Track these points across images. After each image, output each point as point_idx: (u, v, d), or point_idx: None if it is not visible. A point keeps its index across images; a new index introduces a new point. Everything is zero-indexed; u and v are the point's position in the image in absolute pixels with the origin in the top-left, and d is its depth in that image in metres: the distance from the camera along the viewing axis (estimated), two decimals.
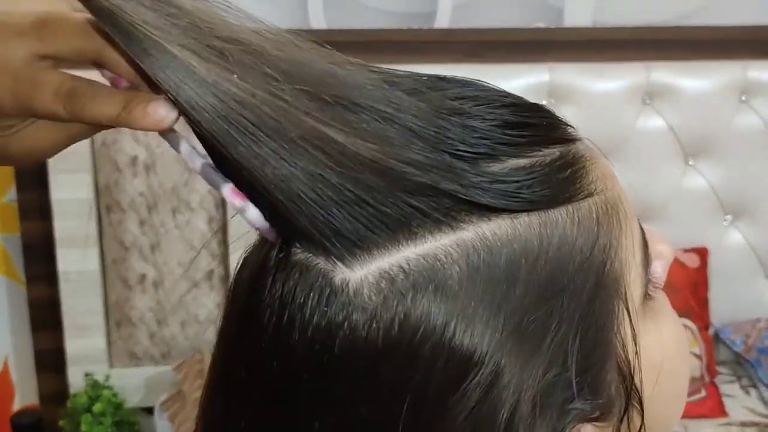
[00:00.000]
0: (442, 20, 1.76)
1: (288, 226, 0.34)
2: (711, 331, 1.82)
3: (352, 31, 1.72)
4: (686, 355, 0.45)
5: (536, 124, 0.38)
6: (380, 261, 0.34)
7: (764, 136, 1.80)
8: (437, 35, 1.75)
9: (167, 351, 1.77)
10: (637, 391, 0.38)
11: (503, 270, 0.34)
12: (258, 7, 1.77)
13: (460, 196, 0.34)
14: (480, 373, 0.33)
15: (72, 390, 1.73)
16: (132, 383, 1.75)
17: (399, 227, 0.34)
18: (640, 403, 0.38)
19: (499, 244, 0.34)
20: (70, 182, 1.66)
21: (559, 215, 0.36)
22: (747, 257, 1.86)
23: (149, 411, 1.74)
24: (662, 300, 0.42)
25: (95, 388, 1.68)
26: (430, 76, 0.39)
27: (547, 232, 0.35)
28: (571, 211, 0.37)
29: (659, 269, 0.41)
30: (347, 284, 0.34)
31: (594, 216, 0.37)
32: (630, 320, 0.38)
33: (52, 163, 1.63)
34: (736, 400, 1.76)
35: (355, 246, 0.34)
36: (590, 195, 0.37)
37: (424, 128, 0.35)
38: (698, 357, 1.75)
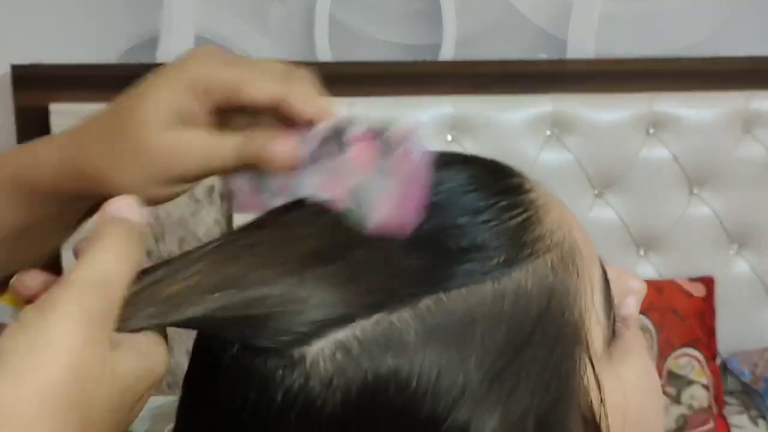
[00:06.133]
0: (447, 52, 1.77)
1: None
2: (718, 361, 1.81)
3: (358, 63, 1.74)
4: (656, 394, 0.43)
5: (482, 184, 0.38)
6: (336, 333, 0.34)
7: None
8: (442, 67, 1.77)
9: (173, 381, 1.77)
10: None
11: (459, 329, 0.34)
12: (265, 41, 1.79)
13: (424, 278, 0.35)
14: None
15: None
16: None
17: (356, 306, 0.34)
18: None
19: (453, 304, 0.34)
20: None
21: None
22: (753, 286, 1.85)
23: None
24: (631, 339, 0.40)
25: None
26: None
27: (501, 286, 0.35)
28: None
29: (632, 305, 0.40)
30: (304, 357, 0.34)
31: (549, 264, 0.37)
32: (593, 368, 0.37)
33: None
34: (745, 431, 1.75)
35: (312, 324, 0.34)
36: (546, 250, 0.37)
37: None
38: (705, 387, 1.74)
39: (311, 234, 0.37)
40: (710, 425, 1.71)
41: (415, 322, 0.34)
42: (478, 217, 0.36)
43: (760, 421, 1.77)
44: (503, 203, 0.37)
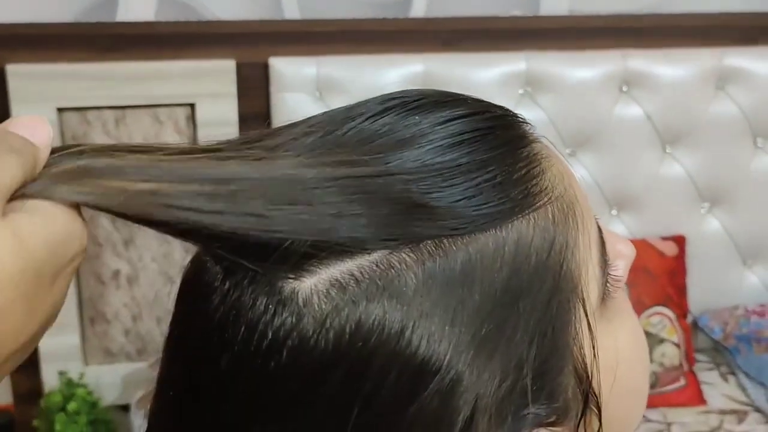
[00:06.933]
0: (418, 9, 1.74)
1: (238, 240, 0.32)
2: (689, 319, 1.83)
3: (326, 21, 1.70)
4: (644, 358, 0.44)
5: (490, 132, 0.37)
6: (332, 269, 0.33)
7: (741, 123, 1.80)
8: (413, 24, 1.73)
9: (143, 347, 1.75)
10: (595, 394, 0.38)
11: (459, 274, 0.34)
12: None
13: (424, 223, 0.34)
14: (437, 381, 0.33)
15: (46, 388, 1.70)
16: (107, 381, 1.72)
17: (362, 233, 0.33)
18: (598, 407, 0.38)
19: (454, 248, 0.34)
20: None
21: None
22: (724, 244, 1.86)
23: (125, 409, 1.72)
24: (621, 301, 0.41)
25: (69, 386, 1.65)
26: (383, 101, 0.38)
27: (503, 234, 0.35)
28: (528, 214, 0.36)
29: (620, 269, 0.40)
30: (296, 293, 0.33)
31: (550, 216, 0.36)
32: (588, 322, 0.37)
33: None
34: (715, 387, 1.77)
35: (305, 257, 0.33)
36: (548, 202, 0.37)
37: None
38: (677, 345, 1.75)
39: (321, 160, 0.35)
40: (681, 382, 1.72)
41: (415, 265, 0.33)
42: (484, 166, 0.36)
43: (730, 378, 1.79)
44: (509, 152, 0.37)
